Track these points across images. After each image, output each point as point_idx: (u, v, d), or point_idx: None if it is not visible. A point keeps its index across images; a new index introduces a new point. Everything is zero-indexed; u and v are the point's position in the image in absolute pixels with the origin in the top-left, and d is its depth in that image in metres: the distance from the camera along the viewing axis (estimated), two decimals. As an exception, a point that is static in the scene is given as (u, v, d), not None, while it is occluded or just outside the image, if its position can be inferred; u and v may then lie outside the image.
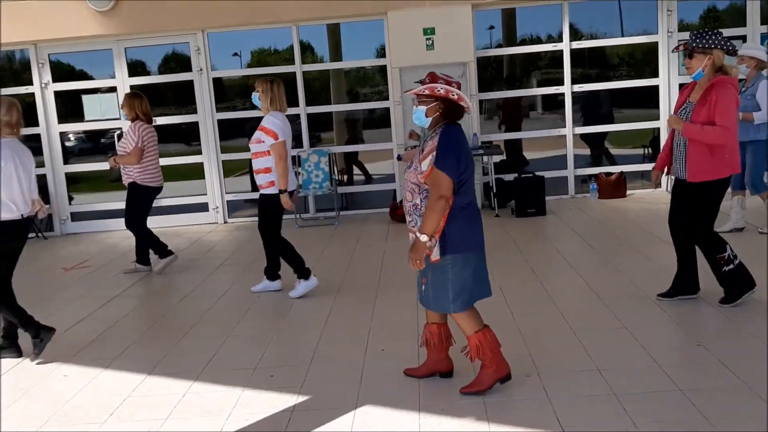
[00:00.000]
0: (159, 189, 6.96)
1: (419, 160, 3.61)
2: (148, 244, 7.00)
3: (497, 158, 9.19)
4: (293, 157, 9.33)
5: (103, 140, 10.37)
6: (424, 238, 3.55)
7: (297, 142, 9.60)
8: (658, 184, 5.12)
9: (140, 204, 6.86)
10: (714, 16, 9.64)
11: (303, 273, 5.82)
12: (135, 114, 6.76)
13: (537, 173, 8.55)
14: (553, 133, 9.53)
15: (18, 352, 4.85)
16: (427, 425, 3.48)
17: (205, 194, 9.76)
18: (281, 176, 5.52)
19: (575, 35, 9.29)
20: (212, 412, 3.83)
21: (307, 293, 5.82)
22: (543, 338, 4.52)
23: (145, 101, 6.82)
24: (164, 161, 9.32)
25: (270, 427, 3.61)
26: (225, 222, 9.75)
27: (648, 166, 9.75)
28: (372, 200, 9.98)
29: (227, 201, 9.82)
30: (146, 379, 4.36)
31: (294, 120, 9.62)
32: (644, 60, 9.49)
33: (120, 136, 9.44)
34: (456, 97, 3.55)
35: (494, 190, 8.75)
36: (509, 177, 8.96)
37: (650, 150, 9.91)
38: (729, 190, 6.06)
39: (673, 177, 4.96)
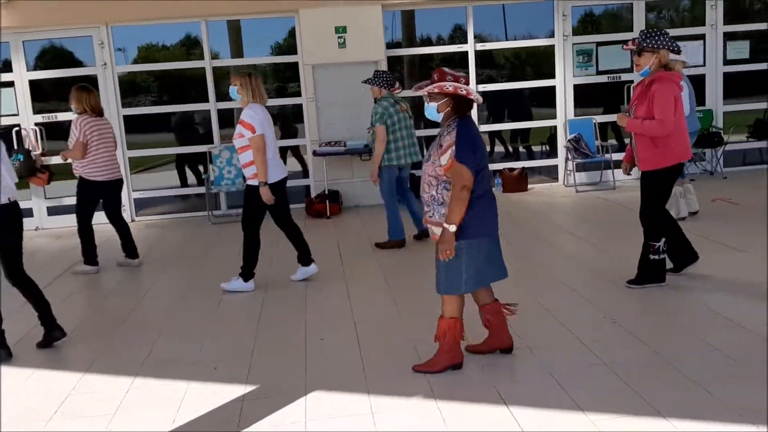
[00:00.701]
0: (107, 183, 6.67)
1: (438, 154, 3.76)
2: (85, 241, 6.76)
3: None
4: (208, 153, 9.30)
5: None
6: (452, 228, 3.72)
7: (208, 138, 9.55)
8: (628, 173, 5.51)
9: (85, 198, 6.68)
10: (591, 20, 10.34)
11: (247, 274, 5.86)
12: (83, 108, 6.54)
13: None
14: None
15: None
16: (378, 406, 3.66)
17: (111, 192, 9.47)
18: (259, 168, 5.54)
19: (464, 37, 9.71)
20: (161, 404, 3.85)
21: (237, 291, 5.88)
22: (473, 321, 4.79)
23: (93, 94, 6.63)
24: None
25: (223, 416, 3.68)
26: (132, 220, 9.51)
27: (545, 162, 10.37)
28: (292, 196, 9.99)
29: (134, 198, 9.60)
30: (84, 377, 4.30)
31: (205, 116, 9.58)
32: (542, 62, 10.06)
33: (19, 133, 9.05)
34: (464, 92, 3.74)
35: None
36: (421, 172, 9.25)
37: (548, 147, 10.50)
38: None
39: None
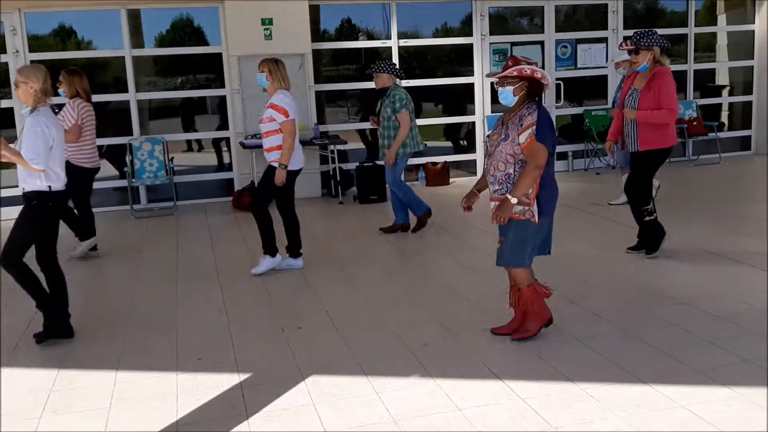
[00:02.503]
0: (95, 170, 6.60)
1: (517, 133, 3.95)
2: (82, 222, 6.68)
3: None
4: (128, 145, 9.00)
5: None
6: (514, 200, 3.97)
7: (127, 130, 9.23)
8: (612, 153, 6.21)
9: (77, 187, 6.31)
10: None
11: (271, 250, 5.93)
12: (75, 91, 6.34)
13: (377, 162, 9.05)
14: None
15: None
16: (380, 386, 3.77)
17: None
18: (286, 151, 5.62)
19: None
20: (156, 396, 3.79)
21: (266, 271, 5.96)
22: (443, 303, 5.01)
23: (84, 78, 6.43)
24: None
25: (226, 405, 3.67)
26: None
27: (464, 157, 10.74)
28: (200, 190, 9.81)
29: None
30: (60, 373, 4.14)
31: (124, 106, 9.25)
32: (461, 60, 10.44)
33: None
34: (540, 75, 3.95)
35: (337, 179, 9.14)
36: (349, 166, 9.44)
37: (466, 142, 10.89)
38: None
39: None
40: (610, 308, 4.86)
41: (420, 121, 10.28)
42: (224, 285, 5.76)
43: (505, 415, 3.41)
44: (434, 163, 9.99)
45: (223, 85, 9.44)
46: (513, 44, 10.32)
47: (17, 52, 8.60)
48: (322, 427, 3.38)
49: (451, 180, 10.06)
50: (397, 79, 7.01)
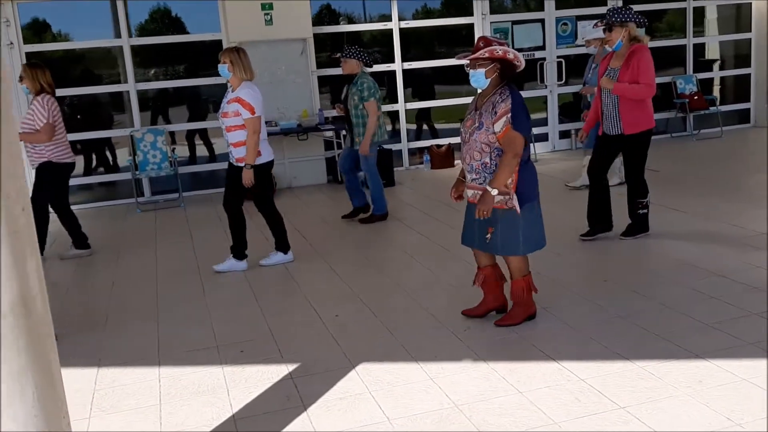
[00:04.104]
0: (74, 165, 6.40)
1: (492, 122, 3.81)
2: (69, 227, 6.47)
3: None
4: (130, 137, 8.82)
5: None
6: (495, 192, 3.82)
7: (129, 121, 9.06)
8: (582, 141, 6.13)
9: (57, 184, 6.25)
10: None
11: (284, 246, 5.84)
12: (39, 85, 6.01)
13: (384, 147, 8.96)
14: (387, 109, 9.99)
15: None
16: (433, 372, 3.72)
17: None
18: (251, 150, 5.34)
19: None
20: (206, 391, 3.71)
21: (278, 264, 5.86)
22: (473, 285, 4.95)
23: (47, 71, 6.10)
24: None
25: (281, 396, 3.59)
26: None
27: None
28: (201, 180, 9.65)
29: (46, 188, 8.92)
30: (100, 371, 4.04)
31: (123, 96, 9.07)
32: (463, 40, 10.34)
33: None
34: (512, 56, 3.81)
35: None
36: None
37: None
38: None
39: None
40: (646, 283, 4.83)
41: (423, 104, 10.39)
42: (248, 274, 5.66)
43: (569, 396, 3.36)
44: (439, 146, 9.92)
45: (197, 75, 9.31)
46: (514, 23, 10.24)
47: (11, 44, 8.38)
48: (384, 416, 3.32)
49: (455, 162, 9.98)
50: (365, 67, 6.86)
